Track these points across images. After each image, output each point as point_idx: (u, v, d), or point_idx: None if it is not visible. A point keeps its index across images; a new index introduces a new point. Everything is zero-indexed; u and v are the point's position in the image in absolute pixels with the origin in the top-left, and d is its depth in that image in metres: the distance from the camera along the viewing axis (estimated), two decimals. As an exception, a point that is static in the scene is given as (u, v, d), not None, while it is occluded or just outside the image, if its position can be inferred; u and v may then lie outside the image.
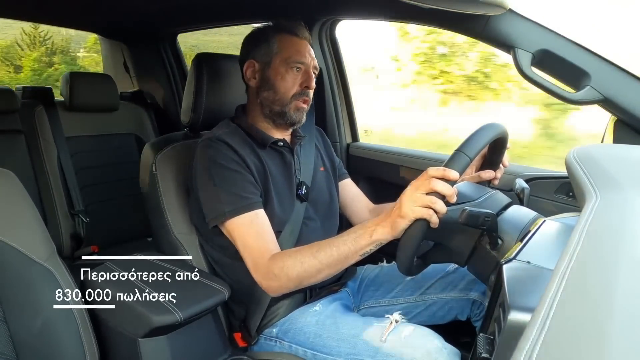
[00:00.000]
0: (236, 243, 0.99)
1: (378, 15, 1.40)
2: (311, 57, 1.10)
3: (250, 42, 1.13)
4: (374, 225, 0.85)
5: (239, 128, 1.10)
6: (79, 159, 1.92)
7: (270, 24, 1.12)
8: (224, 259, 1.07)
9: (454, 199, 0.77)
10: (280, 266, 0.92)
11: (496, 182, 1.02)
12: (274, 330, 1.04)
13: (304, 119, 1.11)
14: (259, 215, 0.98)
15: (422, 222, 0.77)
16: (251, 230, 0.96)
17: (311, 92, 1.10)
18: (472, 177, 1.02)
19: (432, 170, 0.78)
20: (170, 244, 1.13)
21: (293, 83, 1.07)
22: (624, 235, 0.49)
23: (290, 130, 1.16)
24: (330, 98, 1.66)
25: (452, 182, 0.77)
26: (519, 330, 0.48)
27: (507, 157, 1.01)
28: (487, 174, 1.01)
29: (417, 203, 0.76)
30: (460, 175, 0.77)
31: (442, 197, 0.76)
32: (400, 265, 0.81)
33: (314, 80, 1.09)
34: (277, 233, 1.03)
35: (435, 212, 0.76)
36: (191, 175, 1.07)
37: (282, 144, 1.11)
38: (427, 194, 0.76)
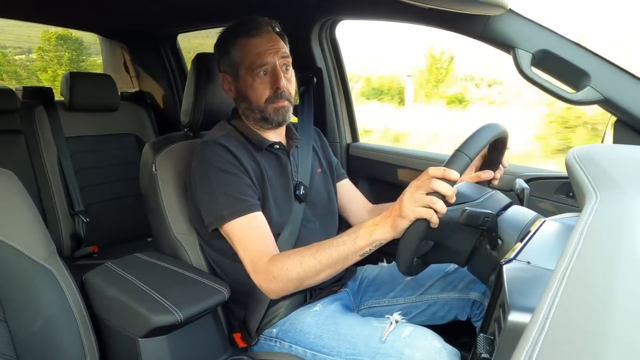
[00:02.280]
0: (235, 245, 0.98)
1: (378, 16, 1.40)
2: (275, 50, 1.02)
3: (217, 55, 1.10)
4: (373, 225, 0.85)
5: (236, 130, 1.10)
6: (79, 159, 1.92)
7: (227, 30, 1.08)
8: (224, 259, 1.07)
9: (453, 199, 0.77)
10: (280, 268, 0.92)
11: (496, 182, 1.02)
12: (274, 330, 1.04)
13: (289, 117, 1.08)
14: (257, 218, 0.98)
15: (423, 221, 0.76)
16: (250, 233, 0.96)
17: (288, 89, 1.04)
18: (472, 178, 1.02)
19: (433, 170, 0.78)
20: (170, 244, 1.13)
21: (263, 88, 1.03)
22: (624, 235, 0.49)
23: (284, 130, 1.16)
24: (330, 98, 1.66)
25: (452, 182, 0.77)
26: (519, 331, 0.48)
27: (506, 158, 1.01)
28: (486, 174, 1.01)
29: (418, 203, 0.76)
30: (461, 175, 0.77)
31: (443, 197, 0.76)
32: (400, 265, 0.81)
33: (282, 79, 1.02)
34: (276, 236, 1.02)
35: (436, 212, 0.76)
36: (189, 179, 1.07)
37: (278, 146, 1.10)
38: (428, 193, 0.76)
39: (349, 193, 1.29)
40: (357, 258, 0.88)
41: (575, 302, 0.37)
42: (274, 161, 1.10)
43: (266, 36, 1.04)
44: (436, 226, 0.77)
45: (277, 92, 1.03)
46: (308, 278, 0.91)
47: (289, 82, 1.06)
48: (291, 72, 1.08)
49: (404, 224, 0.78)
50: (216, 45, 1.10)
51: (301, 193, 1.09)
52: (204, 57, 1.20)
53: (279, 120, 1.06)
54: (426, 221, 0.76)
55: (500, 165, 1.01)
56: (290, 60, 1.07)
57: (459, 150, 0.79)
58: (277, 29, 1.07)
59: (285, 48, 1.06)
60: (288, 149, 1.13)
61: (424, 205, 0.76)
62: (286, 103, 1.05)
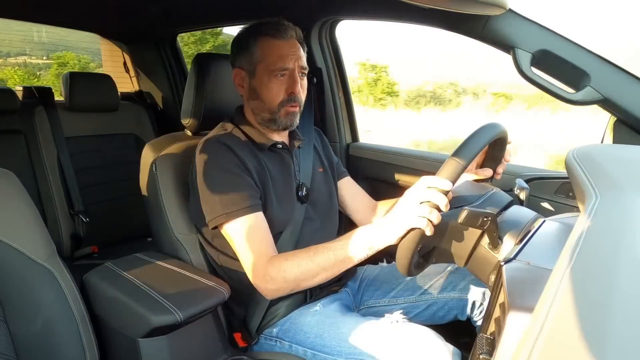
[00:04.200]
0: (234, 245, 0.99)
1: (378, 16, 1.40)
2: (296, 57, 1.04)
3: (234, 49, 1.10)
4: (370, 232, 0.85)
5: (238, 130, 1.10)
6: (79, 159, 1.92)
7: (251, 26, 1.08)
8: (224, 259, 1.07)
9: (447, 208, 0.78)
10: (278, 269, 0.92)
11: (498, 177, 1.01)
12: (274, 330, 1.04)
13: (296, 122, 1.09)
14: (258, 218, 0.98)
15: (417, 230, 0.77)
16: (249, 233, 0.96)
17: (301, 96, 1.06)
18: (471, 175, 1.02)
19: (426, 180, 0.78)
20: (170, 244, 1.13)
21: (278, 91, 1.04)
22: (624, 235, 0.49)
23: (287, 132, 1.16)
24: (330, 98, 1.66)
25: (445, 192, 0.77)
26: (519, 331, 0.48)
27: (509, 152, 1.01)
28: (485, 172, 1.01)
29: (412, 213, 0.77)
30: (454, 183, 0.78)
31: (437, 206, 0.77)
32: (400, 267, 0.81)
33: (298, 84, 1.04)
34: (278, 234, 1.03)
35: (431, 221, 0.77)
36: (191, 177, 1.07)
37: (281, 146, 1.10)
38: (421, 203, 0.77)
39: (351, 191, 1.29)
40: (354, 262, 0.89)
41: (575, 302, 0.37)
42: (277, 160, 1.10)
43: (290, 40, 1.04)
44: (431, 234, 0.77)
45: (291, 97, 1.04)
46: (305, 280, 0.92)
47: (303, 90, 1.07)
48: (306, 81, 1.08)
49: (399, 232, 0.79)
50: (235, 40, 1.10)
51: (303, 194, 1.10)
52: (204, 57, 1.20)
53: (286, 124, 1.07)
54: (421, 230, 0.77)
55: (503, 160, 1.01)
56: (307, 70, 1.08)
57: (452, 158, 0.79)
58: (300, 37, 1.07)
59: (304, 57, 1.07)
60: (290, 148, 1.13)
61: (418, 215, 0.76)
62: (297, 109, 1.07)
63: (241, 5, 1.64)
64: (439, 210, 0.77)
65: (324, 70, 1.63)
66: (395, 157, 1.56)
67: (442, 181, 0.76)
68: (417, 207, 0.77)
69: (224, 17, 1.87)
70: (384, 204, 1.25)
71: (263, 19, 1.08)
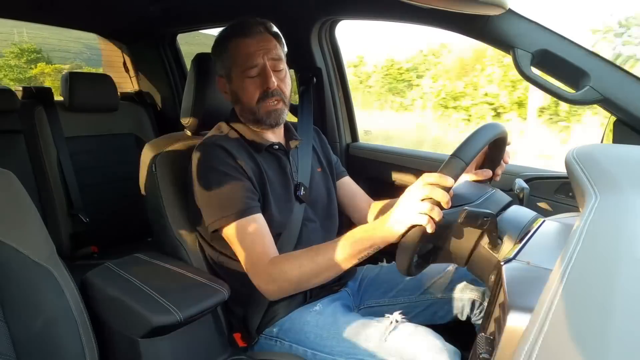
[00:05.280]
0: (234, 247, 0.99)
1: (378, 16, 1.40)
2: (265, 50, 1.02)
3: (213, 58, 1.10)
4: (371, 230, 0.85)
5: (234, 131, 1.09)
6: (79, 159, 1.92)
7: (222, 31, 1.08)
8: (224, 259, 1.07)
9: (449, 205, 0.77)
10: (279, 270, 0.92)
11: (497, 178, 1.01)
12: (274, 330, 1.04)
13: (283, 118, 1.07)
14: (257, 220, 0.98)
15: (419, 227, 0.77)
16: (249, 235, 0.96)
17: (281, 88, 1.04)
18: (470, 176, 1.02)
19: (427, 177, 0.78)
20: (170, 244, 1.13)
21: (254, 90, 1.03)
22: (623, 235, 0.49)
23: (283, 131, 1.16)
24: (330, 98, 1.66)
25: (447, 189, 0.77)
26: (518, 331, 0.48)
27: (508, 154, 1.01)
28: (485, 173, 1.00)
29: (413, 210, 0.77)
30: (456, 181, 0.78)
31: (438, 203, 0.77)
32: (400, 266, 0.81)
33: (271, 78, 1.01)
34: (277, 235, 1.03)
35: (432, 218, 0.77)
36: (188, 179, 1.07)
37: (277, 147, 1.10)
38: (423, 200, 0.77)
39: (350, 190, 1.29)
40: (355, 261, 0.88)
41: (575, 302, 0.38)
42: (274, 162, 1.10)
43: (257, 37, 1.03)
44: (432, 232, 0.77)
45: (267, 92, 1.03)
46: (306, 280, 0.92)
47: (282, 82, 1.05)
48: (285, 72, 1.07)
49: (400, 230, 0.79)
50: (212, 48, 1.10)
51: (301, 194, 1.09)
52: (204, 57, 1.20)
53: (271, 122, 1.06)
54: (422, 227, 0.77)
55: (502, 162, 1.01)
56: (282, 60, 1.06)
57: (454, 155, 0.79)
58: (271, 29, 1.06)
59: (278, 48, 1.06)
60: (287, 149, 1.13)
61: (420, 212, 0.76)
62: (279, 105, 1.05)
63: (241, 6, 1.64)
64: (440, 207, 0.77)
65: (324, 70, 1.63)
66: (395, 157, 1.56)
67: (444, 178, 0.76)
68: (419, 203, 0.76)
69: (223, 18, 1.87)
70: (378, 205, 1.25)
71: (233, 21, 1.07)
